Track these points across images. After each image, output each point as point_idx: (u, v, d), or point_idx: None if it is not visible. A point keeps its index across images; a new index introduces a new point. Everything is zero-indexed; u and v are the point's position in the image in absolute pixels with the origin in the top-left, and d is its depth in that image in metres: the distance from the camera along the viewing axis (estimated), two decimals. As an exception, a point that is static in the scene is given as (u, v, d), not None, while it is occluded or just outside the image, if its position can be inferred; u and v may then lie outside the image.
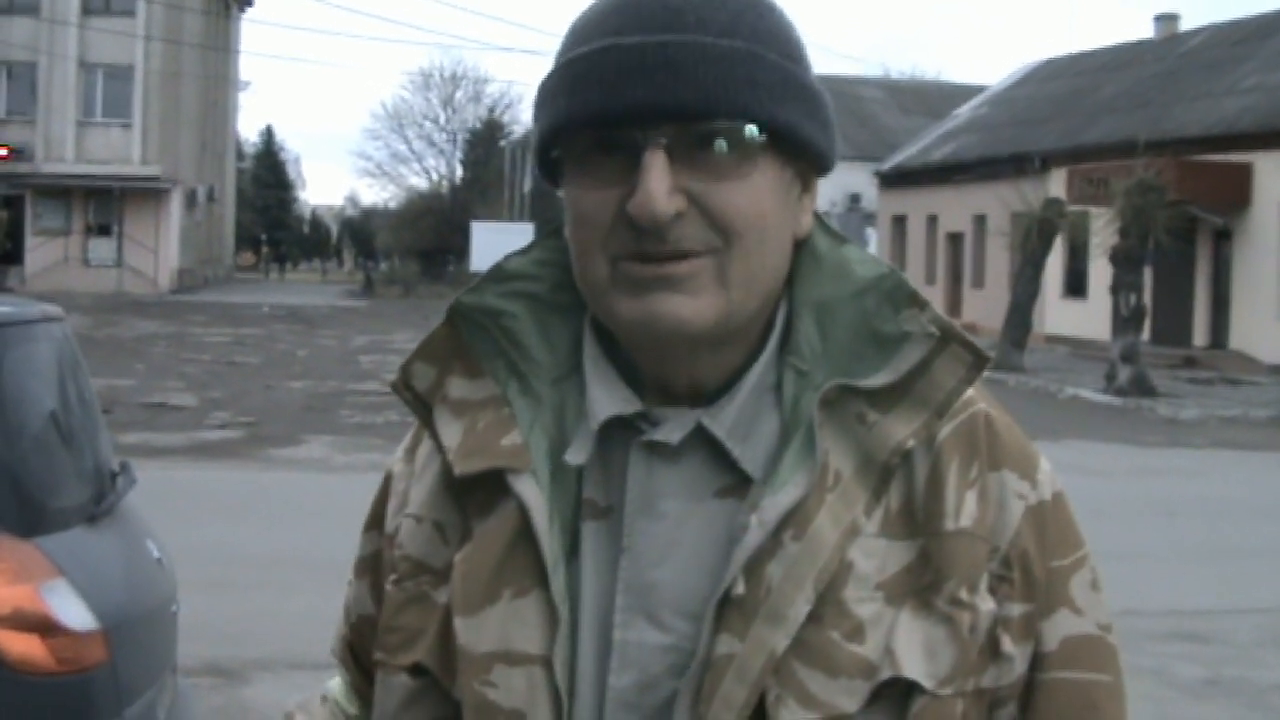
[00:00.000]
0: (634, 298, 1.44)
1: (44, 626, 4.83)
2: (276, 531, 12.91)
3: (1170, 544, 13.86)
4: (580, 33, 1.48)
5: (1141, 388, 27.71)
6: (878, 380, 1.46)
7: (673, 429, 1.48)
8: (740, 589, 1.40)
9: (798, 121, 1.47)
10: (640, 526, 1.47)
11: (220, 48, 76.39)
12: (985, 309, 45.14)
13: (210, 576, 10.15)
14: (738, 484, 1.47)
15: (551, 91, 1.48)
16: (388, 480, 1.70)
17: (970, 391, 1.51)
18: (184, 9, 63.17)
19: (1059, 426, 23.26)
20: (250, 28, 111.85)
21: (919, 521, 1.46)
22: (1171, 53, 45.26)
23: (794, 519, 1.41)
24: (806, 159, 1.52)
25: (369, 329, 43.07)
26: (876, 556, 1.44)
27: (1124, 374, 27.99)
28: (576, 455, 1.50)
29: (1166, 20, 49.52)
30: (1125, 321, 28.53)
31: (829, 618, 1.41)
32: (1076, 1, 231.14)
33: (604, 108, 1.42)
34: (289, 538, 12.50)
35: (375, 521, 1.70)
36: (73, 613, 4.91)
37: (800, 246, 1.55)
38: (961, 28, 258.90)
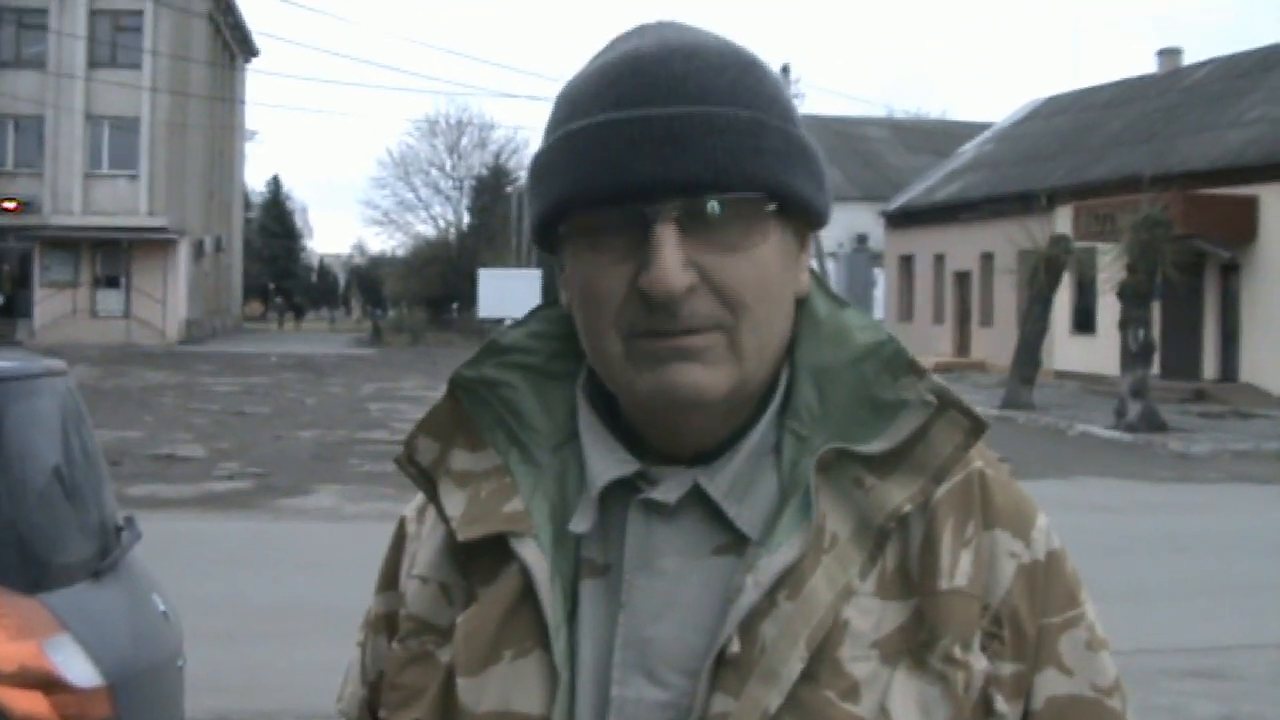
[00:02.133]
0: (651, 371, 1.44)
1: (48, 683, 4.81)
2: (286, 582, 12.88)
3: (1183, 580, 13.81)
4: (577, 103, 1.46)
5: (1152, 423, 27.67)
6: (875, 447, 1.46)
7: (670, 488, 1.49)
8: (735, 648, 1.41)
9: (802, 185, 1.47)
10: (639, 583, 1.48)
11: (226, 98, 76.72)
12: (994, 346, 45.15)
13: (219, 628, 10.13)
14: (735, 542, 1.48)
15: (552, 165, 1.47)
16: (401, 539, 1.71)
17: None
18: (190, 60, 63.45)
19: (1069, 463, 23.24)
20: (256, 78, 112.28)
21: (914, 581, 1.46)
22: (1175, 87, 45.35)
23: (789, 579, 1.42)
24: (809, 217, 1.52)
25: (377, 377, 43.10)
26: (872, 615, 1.44)
27: (1134, 409, 27.95)
28: (580, 524, 1.51)
29: (1169, 55, 49.66)
30: (1134, 356, 28.51)
31: (824, 677, 1.41)
32: (1079, 38, 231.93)
33: (613, 183, 1.41)
34: (299, 588, 12.48)
35: (390, 581, 1.70)
36: (77, 669, 4.90)
37: (800, 307, 1.55)
38: (965, 66, 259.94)
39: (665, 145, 1.39)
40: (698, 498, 1.49)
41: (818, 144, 1.53)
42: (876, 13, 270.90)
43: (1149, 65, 51.60)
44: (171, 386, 36.96)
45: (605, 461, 1.51)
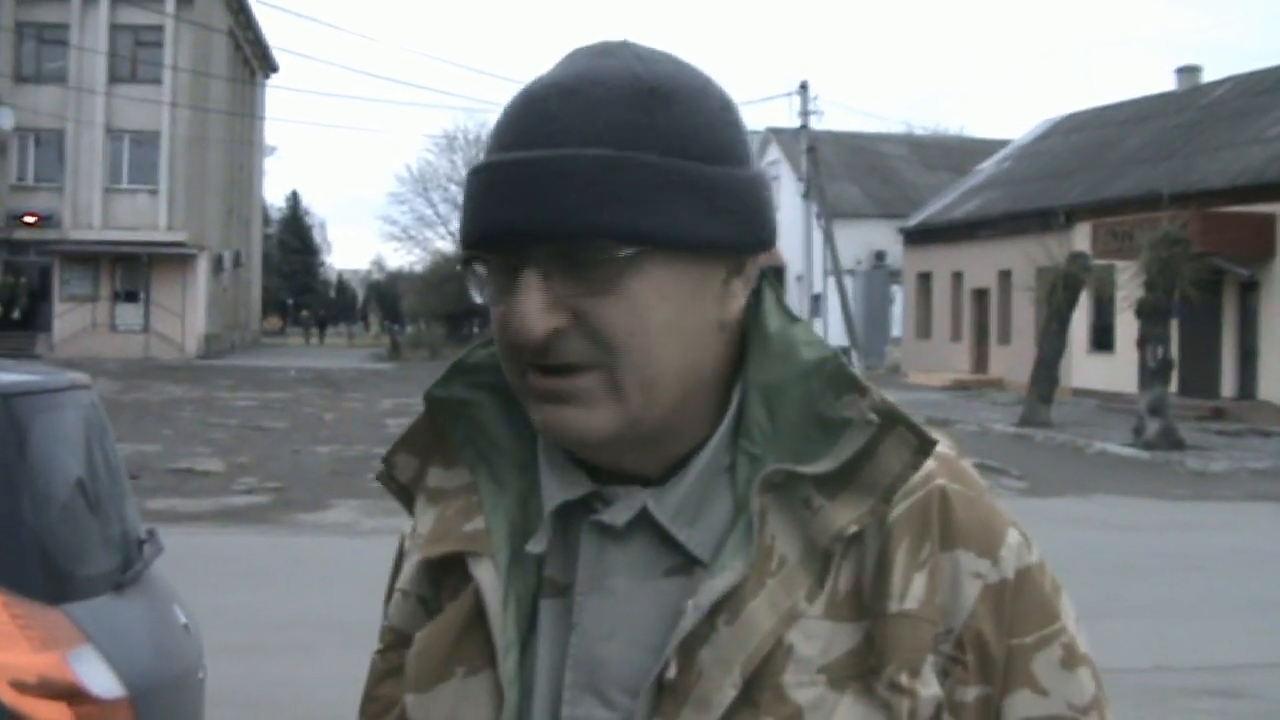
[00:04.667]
0: (539, 407, 1.46)
1: (71, 694, 4.84)
2: (304, 596, 12.92)
3: (1200, 598, 13.77)
4: (490, 139, 1.49)
5: (1170, 441, 27.60)
6: (820, 467, 1.45)
7: (619, 511, 1.49)
8: (672, 673, 1.41)
9: (678, 222, 1.43)
10: (589, 604, 1.49)
11: (246, 113, 76.86)
12: (1012, 364, 45.08)
13: (238, 642, 10.16)
14: (687, 563, 1.48)
15: (463, 204, 1.49)
16: (400, 556, 1.73)
17: (931, 465, 1.49)
18: (210, 76, 63.56)
19: (1087, 481, 23.20)
20: (275, 93, 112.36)
21: (865, 603, 1.44)
22: (1194, 104, 45.26)
23: (729, 603, 1.42)
24: (699, 251, 1.46)
25: (395, 392, 43.07)
26: (820, 639, 1.43)
27: (1152, 427, 27.87)
28: (537, 544, 1.52)
29: (1188, 72, 49.58)
30: (1152, 374, 28.45)
31: (765, 703, 1.40)
32: (1097, 55, 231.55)
33: (483, 230, 1.44)
34: (316, 602, 12.50)
35: (390, 598, 1.72)
36: (99, 680, 4.92)
37: (751, 325, 1.54)
38: (983, 83, 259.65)
39: (519, 192, 1.40)
40: (648, 519, 1.48)
41: (738, 170, 1.48)
42: (895, 30, 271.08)
43: (1168, 83, 51.44)
44: (190, 401, 37.01)
45: (559, 482, 1.52)
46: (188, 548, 12.88)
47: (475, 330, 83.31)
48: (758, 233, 1.49)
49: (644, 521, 1.49)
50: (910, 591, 1.44)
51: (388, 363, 67.52)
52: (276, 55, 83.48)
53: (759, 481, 1.45)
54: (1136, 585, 13.64)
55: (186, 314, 62.13)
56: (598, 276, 1.41)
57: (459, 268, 1.53)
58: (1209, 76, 48.87)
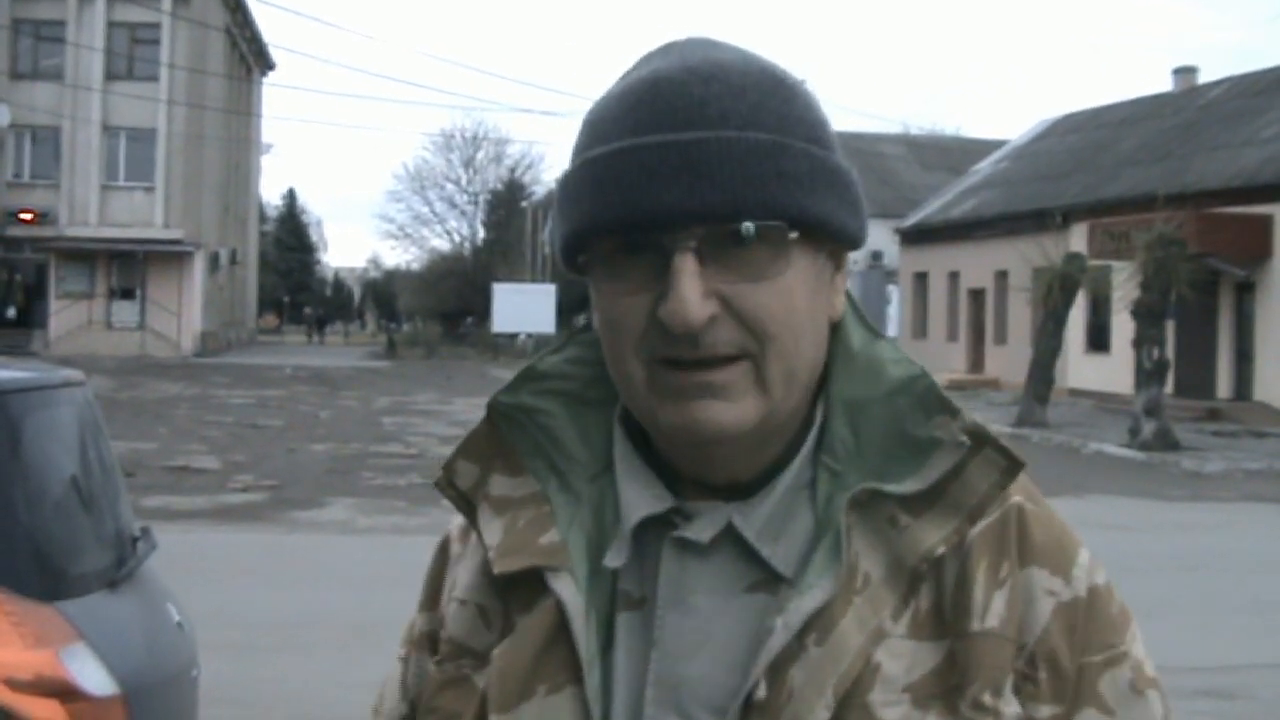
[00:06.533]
0: (674, 404, 1.41)
1: (64, 691, 4.83)
2: (299, 594, 12.89)
3: (1195, 599, 13.77)
4: (598, 128, 1.44)
5: (1165, 441, 27.61)
6: (908, 486, 1.44)
7: (703, 526, 1.47)
8: (762, 693, 1.39)
9: (830, 209, 1.44)
10: (671, 620, 1.46)
11: (242, 111, 76.83)
12: (1008, 364, 45.09)
13: (233, 640, 10.14)
14: (769, 579, 1.46)
15: (573, 192, 1.44)
16: (444, 558, 1.70)
17: None
18: (206, 73, 63.56)
19: (1083, 481, 23.18)
20: (272, 91, 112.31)
21: (947, 622, 1.43)
22: (1191, 105, 45.30)
23: (818, 622, 1.40)
24: (839, 241, 1.48)
25: (391, 390, 43.11)
26: (904, 658, 1.41)
27: (1148, 428, 27.89)
28: (614, 559, 1.49)
29: (1185, 73, 49.62)
30: (1148, 375, 28.46)
31: None
32: (1094, 56, 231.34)
33: (629, 212, 1.38)
34: (311, 601, 12.48)
35: (433, 599, 1.69)
36: (93, 677, 4.92)
37: (834, 340, 1.53)
38: (980, 83, 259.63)
39: (682, 173, 1.36)
40: (731, 536, 1.46)
41: (851, 164, 1.49)
42: (893, 30, 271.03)
43: (1164, 84, 51.47)
44: (186, 398, 36.99)
45: (639, 497, 1.49)
46: (183, 545, 12.88)
47: (471, 328, 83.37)
48: (863, 229, 1.50)
49: (726, 537, 1.47)
50: (991, 609, 1.43)
51: (384, 361, 67.49)
52: (273, 53, 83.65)
53: (847, 500, 1.43)
54: (1132, 586, 13.54)
55: (183, 312, 62.12)
56: (753, 261, 1.39)
57: (575, 259, 1.48)
58: (1213, 75, 48.96)
